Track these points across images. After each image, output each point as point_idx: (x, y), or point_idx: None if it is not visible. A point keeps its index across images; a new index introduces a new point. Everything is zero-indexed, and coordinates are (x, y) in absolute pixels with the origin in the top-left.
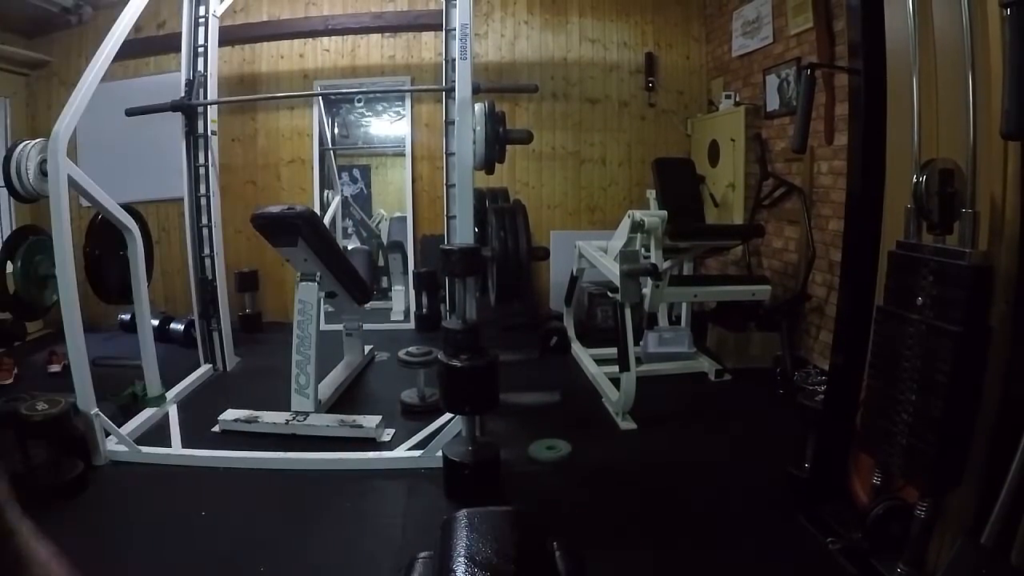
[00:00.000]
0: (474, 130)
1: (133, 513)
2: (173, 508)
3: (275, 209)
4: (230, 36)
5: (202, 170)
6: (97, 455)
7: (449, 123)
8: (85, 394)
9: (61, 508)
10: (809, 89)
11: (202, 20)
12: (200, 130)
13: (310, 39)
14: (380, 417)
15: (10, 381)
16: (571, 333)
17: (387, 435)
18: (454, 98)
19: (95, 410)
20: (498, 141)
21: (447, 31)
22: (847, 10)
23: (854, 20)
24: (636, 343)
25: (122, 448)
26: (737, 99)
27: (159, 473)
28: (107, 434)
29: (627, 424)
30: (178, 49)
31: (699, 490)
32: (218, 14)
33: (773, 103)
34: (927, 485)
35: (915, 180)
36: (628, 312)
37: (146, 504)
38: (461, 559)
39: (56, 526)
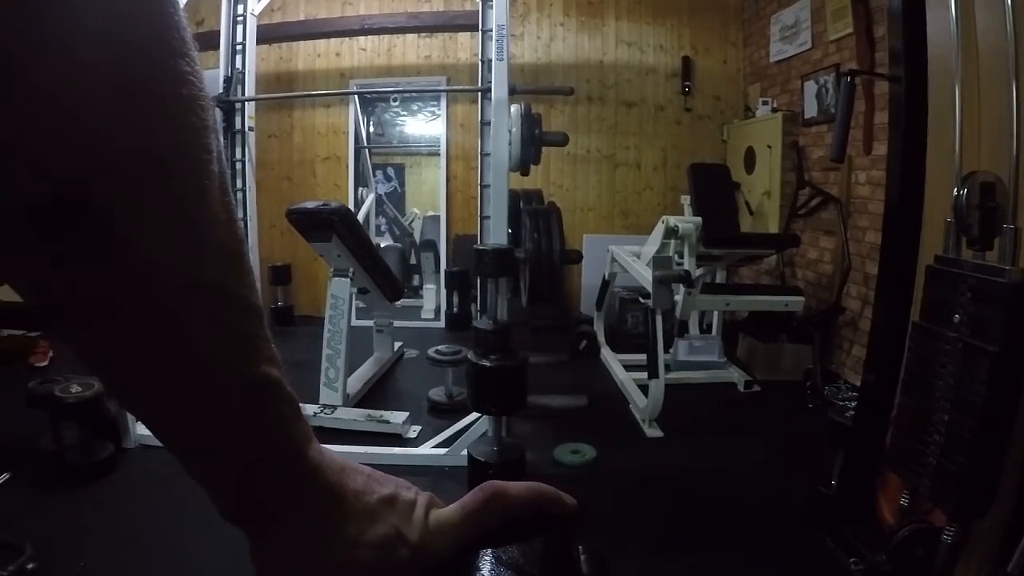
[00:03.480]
0: (510, 131)
1: (158, 494)
2: (198, 492)
3: (310, 205)
4: (268, 34)
5: (239, 165)
6: (127, 438)
7: (485, 124)
8: None
9: (90, 487)
10: (848, 96)
11: (240, 18)
12: (237, 126)
13: (346, 38)
14: (407, 413)
15: (45, 364)
16: (601, 337)
17: (413, 432)
18: (490, 99)
19: None
20: (534, 143)
21: (483, 32)
22: (888, 15)
23: (895, 26)
24: (666, 350)
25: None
26: (774, 105)
27: None
28: None
29: (654, 431)
30: (216, 46)
31: (723, 501)
32: (256, 13)
33: (811, 110)
34: (955, 509)
35: (955, 193)
36: (659, 318)
37: (171, 487)
38: (487, 558)
39: (84, 503)
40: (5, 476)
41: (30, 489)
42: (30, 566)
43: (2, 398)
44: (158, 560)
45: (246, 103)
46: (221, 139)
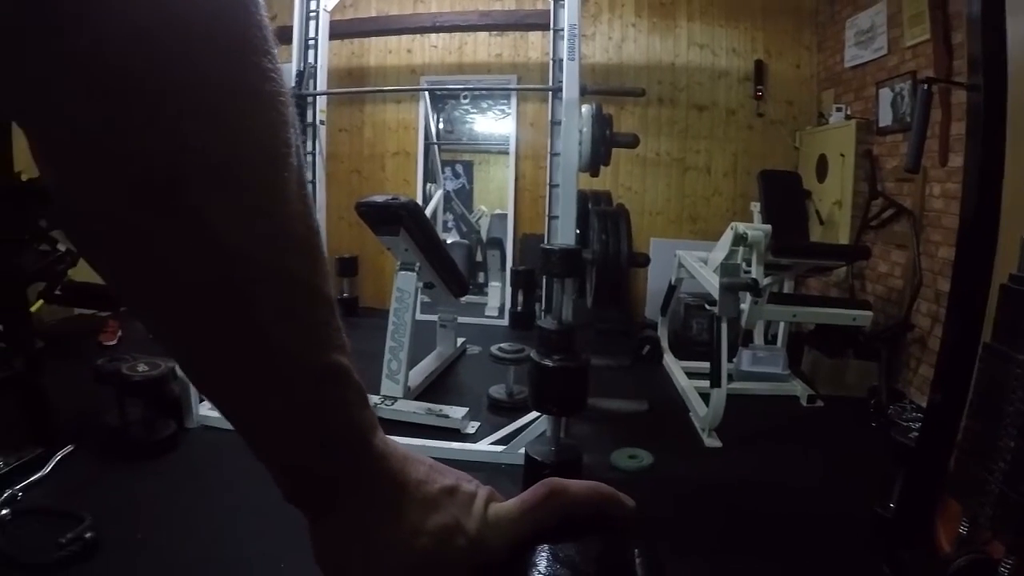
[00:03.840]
0: (580, 131)
1: (216, 473)
2: (255, 474)
3: (380, 198)
4: (340, 30)
5: (309, 158)
6: (189, 418)
7: (555, 123)
8: None
9: (150, 463)
10: (924, 105)
11: (313, 14)
12: (309, 120)
13: (418, 35)
14: (467, 409)
15: (114, 343)
16: (664, 343)
17: (472, 427)
18: (560, 98)
19: None
20: (604, 144)
21: (554, 31)
22: (967, 22)
23: (974, 32)
24: (729, 359)
25: (214, 414)
26: (848, 112)
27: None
28: (201, 399)
29: (712, 441)
30: (289, 41)
31: (779, 516)
32: (328, 9)
33: (886, 118)
34: (1016, 540)
35: None
36: (724, 327)
37: (230, 467)
38: (544, 554)
39: (144, 479)
40: (69, 448)
41: (93, 462)
42: (88, 535)
43: (71, 374)
44: (212, 538)
45: (318, 97)
46: (299, 134)
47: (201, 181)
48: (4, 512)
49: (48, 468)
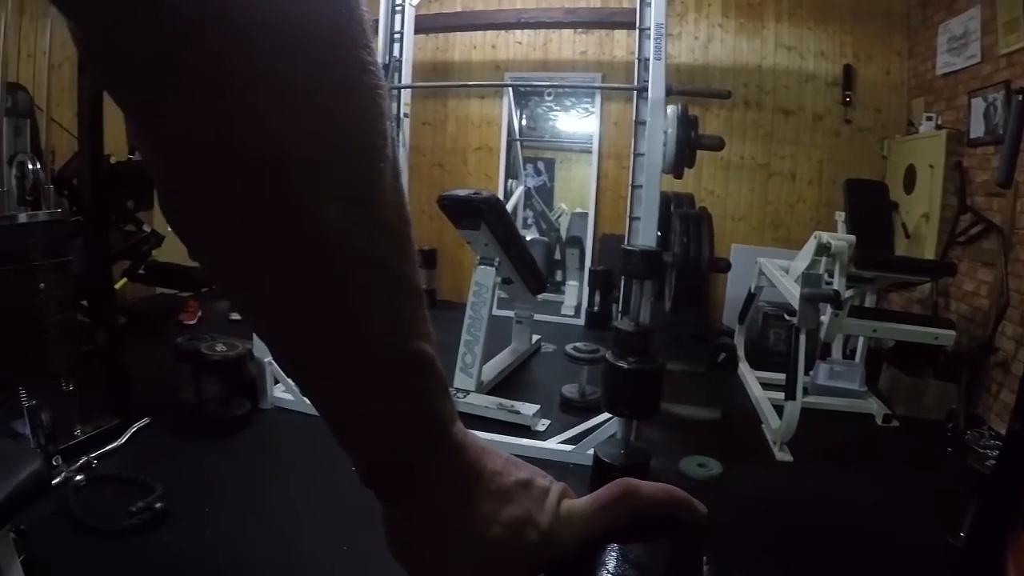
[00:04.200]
0: (665, 132)
1: (287, 454)
2: (325, 456)
3: (462, 192)
4: (425, 25)
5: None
6: (264, 399)
7: (639, 123)
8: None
9: (223, 440)
10: (1019, 116)
11: (399, 8)
12: (393, 112)
13: (503, 31)
14: (538, 406)
15: (194, 322)
16: (740, 352)
17: (542, 425)
18: (645, 98)
19: (269, 358)
20: (688, 145)
21: (640, 30)
22: None
23: None
24: (806, 372)
25: (288, 396)
26: (939, 122)
27: (318, 424)
28: (276, 381)
29: (783, 455)
30: (375, 34)
31: (846, 537)
32: (414, 3)
33: (977, 129)
34: None
35: None
36: (803, 338)
37: (301, 448)
38: (614, 553)
39: (216, 455)
40: (145, 421)
41: (167, 435)
42: (158, 505)
43: (152, 351)
44: (277, 516)
45: (402, 91)
46: (394, 126)
47: (303, 171)
48: (79, 478)
49: (124, 438)
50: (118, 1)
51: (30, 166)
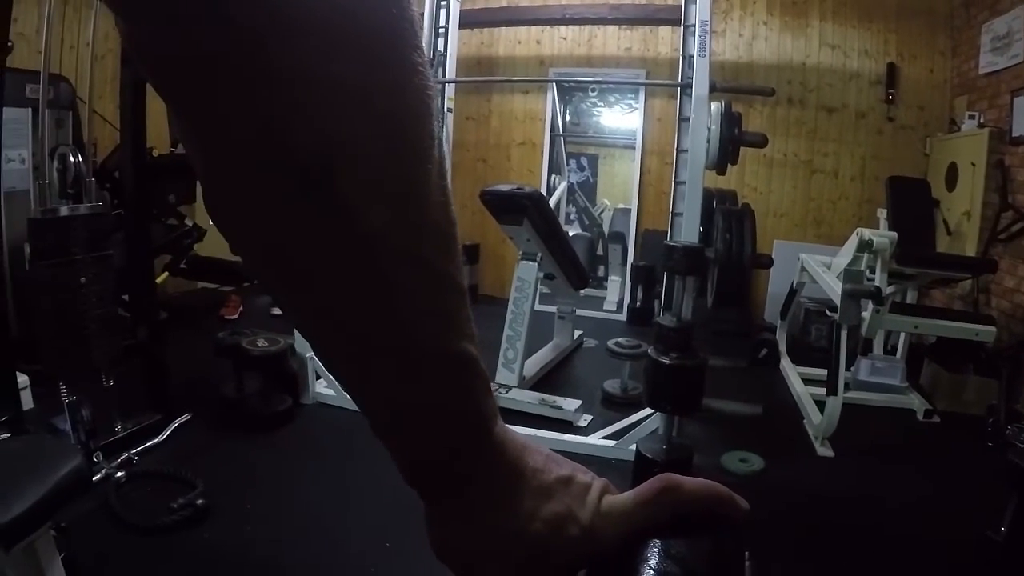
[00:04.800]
0: (708, 129)
1: (329, 450)
2: (367, 452)
3: (505, 187)
4: (470, 19)
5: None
6: (306, 395)
7: (683, 120)
8: None
9: (264, 435)
10: None
11: (444, 3)
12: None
13: (547, 26)
14: (580, 402)
15: (235, 317)
16: (782, 347)
17: (584, 420)
18: (689, 95)
19: (311, 353)
20: (732, 142)
21: (685, 27)
22: None
23: None
24: (847, 368)
25: (330, 392)
26: (981, 120)
27: (360, 420)
28: (318, 377)
29: (825, 450)
30: (420, 29)
31: (886, 532)
32: None
33: (1020, 128)
34: None
35: None
36: (844, 334)
37: (343, 444)
38: (655, 549)
39: (257, 450)
40: (186, 416)
41: (208, 431)
42: (199, 501)
43: (193, 345)
44: (320, 513)
45: (446, 85)
46: (442, 126)
47: (352, 171)
48: (120, 474)
49: (165, 434)
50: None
51: (72, 159)
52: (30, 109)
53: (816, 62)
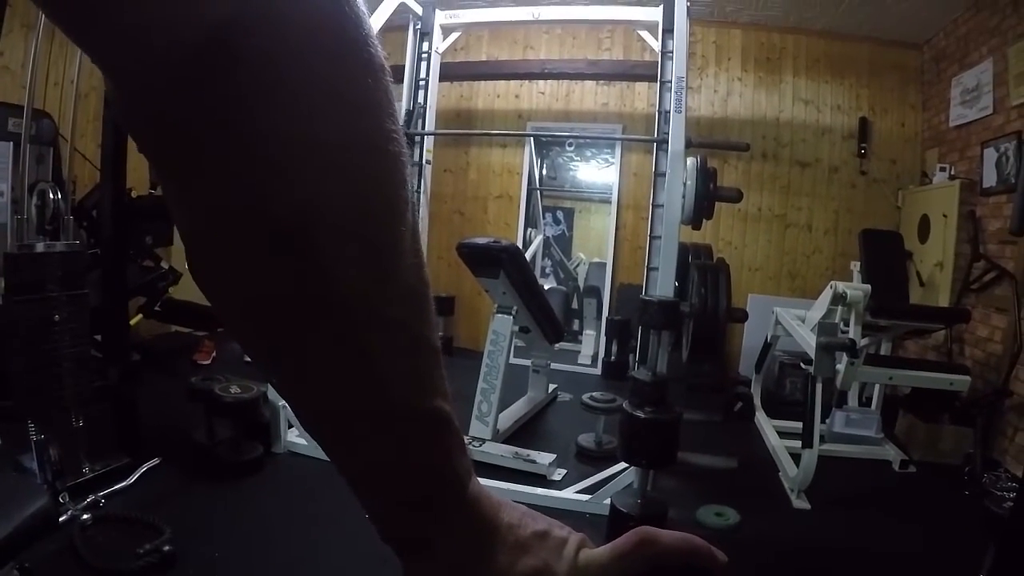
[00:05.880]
0: (684, 184)
1: (300, 500)
2: (340, 503)
3: (481, 240)
4: (450, 72)
5: (415, 196)
6: (277, 443)
7: (659, 175)
8: None
9: (234, 483)
10: None
11: (425, 56)
12: (416, 159)
13: (526, 81)
14: (554, 456)
15: (208, 362)
16: (757, 401)
17: (558, 474)
18: (665, 150)
19: (283, 402)
20: (708, 197)
21: (661, 83)
22: None
23: None
24: (823, 420)
25: (302, 441)
26: (952, 172)
27: (332, 471)
28: (290, 426)
29: (801, 503)
30: (401, 81)
31: None
32: (440, 51)
33: (990, 179)
34: None
35: None
36: (819, 386)
37: (314, 494)
38: None
39: (226, 498)
40: (155, 461)
41: (177, 476)
42: (166, 548)
43: (165, 389)
44: (288, 564)
45: (425, 137)
46: (413, 191)
47: (328, 234)
48: (85, 517)
49: (133, 478)
50: (154, 55)
51: (51, 195)
52: (12, 143)
53: (790, 117)
